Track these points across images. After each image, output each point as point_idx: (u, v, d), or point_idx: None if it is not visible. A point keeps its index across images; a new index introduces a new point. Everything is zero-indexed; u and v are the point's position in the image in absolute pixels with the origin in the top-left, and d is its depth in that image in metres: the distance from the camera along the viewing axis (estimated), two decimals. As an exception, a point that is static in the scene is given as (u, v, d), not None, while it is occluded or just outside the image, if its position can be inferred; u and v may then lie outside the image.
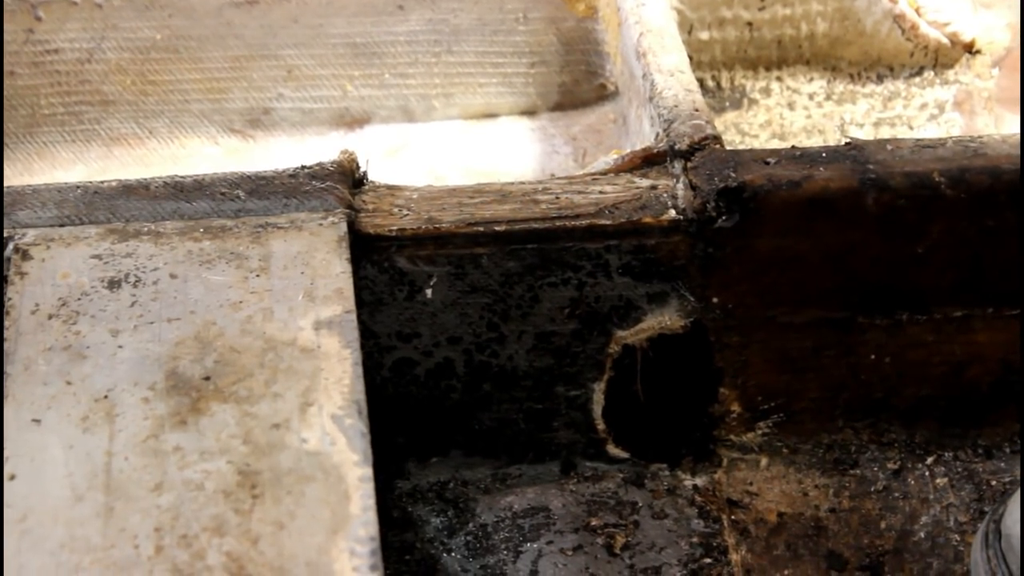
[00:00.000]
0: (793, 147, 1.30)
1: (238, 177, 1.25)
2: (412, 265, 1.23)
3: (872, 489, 1.34)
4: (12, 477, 0.97)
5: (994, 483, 1.32)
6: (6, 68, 1.73)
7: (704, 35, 1.85)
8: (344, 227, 1.20)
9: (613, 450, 1.36)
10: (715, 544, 1.29)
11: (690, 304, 1.28)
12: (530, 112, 1.86)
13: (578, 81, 1.84)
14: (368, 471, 0.98)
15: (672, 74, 1.44)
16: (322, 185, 1.24)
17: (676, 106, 1.37)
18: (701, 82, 1.65)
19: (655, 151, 1.32)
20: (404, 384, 1.30)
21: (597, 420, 1.34)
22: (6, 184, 1.25)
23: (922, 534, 1.30)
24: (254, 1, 1.74)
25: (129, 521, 0.95)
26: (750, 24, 1.85)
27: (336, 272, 1.15)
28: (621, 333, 1.29)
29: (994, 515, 1.22)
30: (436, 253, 1.23)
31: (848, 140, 1.31)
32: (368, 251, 1.22)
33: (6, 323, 1.10)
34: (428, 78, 1.82)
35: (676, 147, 1.30)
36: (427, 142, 1.82)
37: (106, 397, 1.03)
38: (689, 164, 1.27)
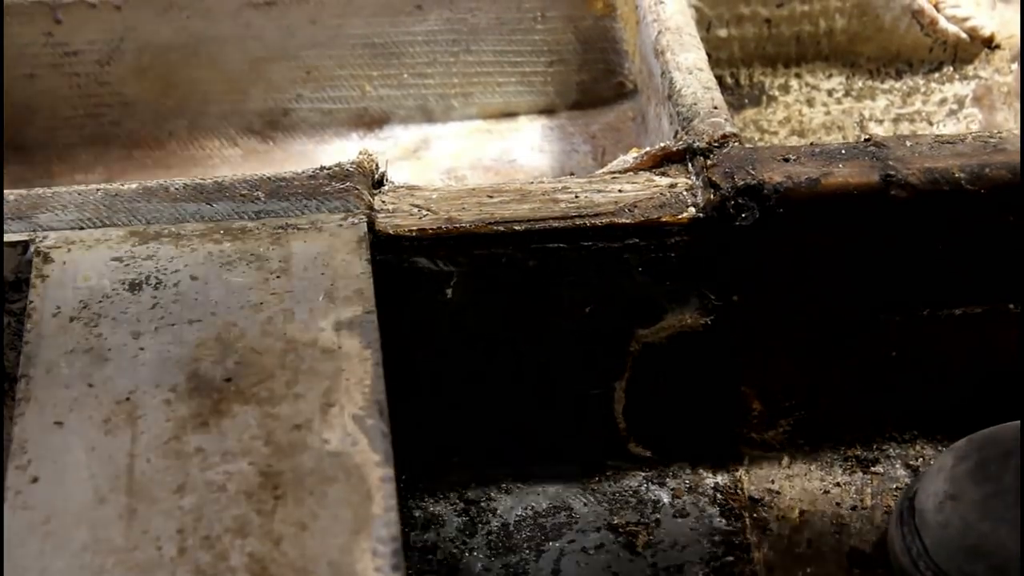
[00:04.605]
0: (812, 144, 1.30)
1: (258, 179, 1.26)
2: (432, 265, 1.23)
3: (894, 486, 1.34)
4: (35, 479, 0.97)
5: (1016, 480, 1.32)
6: (25, 71, 1.73)
7: (722, 32, 1.85)
8: (364, 228, 1.20)
9: (634, 448, 1.36)
10: (737, 542, 1.29)
11: (710, 302, 1.28)
12: (549, 111, 1.86)
13: (596, 79, 1.84)
14: (390, 471, 0.98)
15: (691, 72, 1.44)
16: (342, 186, 1.24)
17: (695, 104, 1.37)
18: (720, 79, 1.65)
19: (674, 149, 1.31)
20: (425, 383, 1.31)
21: (618, 418, 1.34)
22: (27, 188, 1.25)
23: (945, 531, 1.29)
24: (272, 2, 1.74)
25: (152, 523, 0.95)
26: (768, 21, 1.85)
27: (356, 273, 1.15)
28: (642, 331, 1.29)
29: (908, 492, 1.23)
30: (456, 253, 1.23)
31: (867, 136, 1.31)
32: (388, 251, 1.22)
33: (27, 326, 1.10)
34: (447, 78, 1.82)
35: (695, 145, 1.30)
36: (446, 142, 1.82)
37: (128, 399, 1.04)
38: (708, 162, 1.27)
